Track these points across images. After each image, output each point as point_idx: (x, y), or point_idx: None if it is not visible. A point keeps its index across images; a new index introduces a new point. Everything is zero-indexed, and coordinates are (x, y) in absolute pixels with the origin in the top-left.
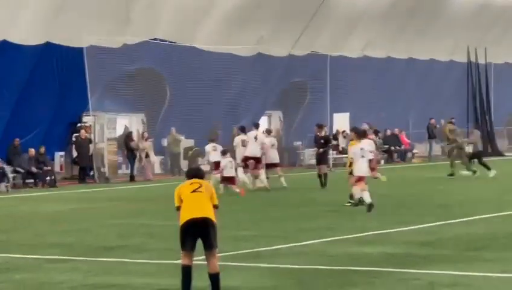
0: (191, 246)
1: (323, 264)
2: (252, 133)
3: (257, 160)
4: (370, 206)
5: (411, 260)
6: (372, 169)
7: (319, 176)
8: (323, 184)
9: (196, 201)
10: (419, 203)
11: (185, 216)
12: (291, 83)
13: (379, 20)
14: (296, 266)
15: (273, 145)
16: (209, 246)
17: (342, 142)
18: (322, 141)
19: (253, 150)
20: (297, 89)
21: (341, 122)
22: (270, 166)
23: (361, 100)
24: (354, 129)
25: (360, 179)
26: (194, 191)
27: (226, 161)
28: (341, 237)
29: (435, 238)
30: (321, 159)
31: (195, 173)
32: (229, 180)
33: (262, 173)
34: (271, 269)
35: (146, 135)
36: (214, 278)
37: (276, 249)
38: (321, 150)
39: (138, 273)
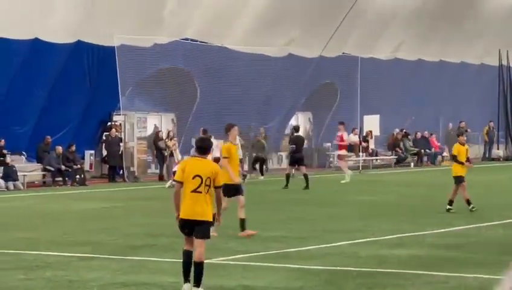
0: (189, 233)
1: (352, 266)
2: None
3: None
4: None
5: (441, 263)
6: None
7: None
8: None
9: (195, 202)
10: None
11: (184, 212)
12: (322, 84)
13: (410, 22)
14: (325, 267)
15: None
16: (201, 237)
17: (371, 144)
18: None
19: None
20: (327, 91)
21: (371, 124)
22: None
23: (392, 102)
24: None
25: None
26: (194, 191)
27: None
28: (371, 239)
29: (465, 241)
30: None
31: (202, 146)
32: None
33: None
34: (299, 269)
35: (171, 134)
36: (196, 267)
37: (305, 250)
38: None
39: (167, 272)
